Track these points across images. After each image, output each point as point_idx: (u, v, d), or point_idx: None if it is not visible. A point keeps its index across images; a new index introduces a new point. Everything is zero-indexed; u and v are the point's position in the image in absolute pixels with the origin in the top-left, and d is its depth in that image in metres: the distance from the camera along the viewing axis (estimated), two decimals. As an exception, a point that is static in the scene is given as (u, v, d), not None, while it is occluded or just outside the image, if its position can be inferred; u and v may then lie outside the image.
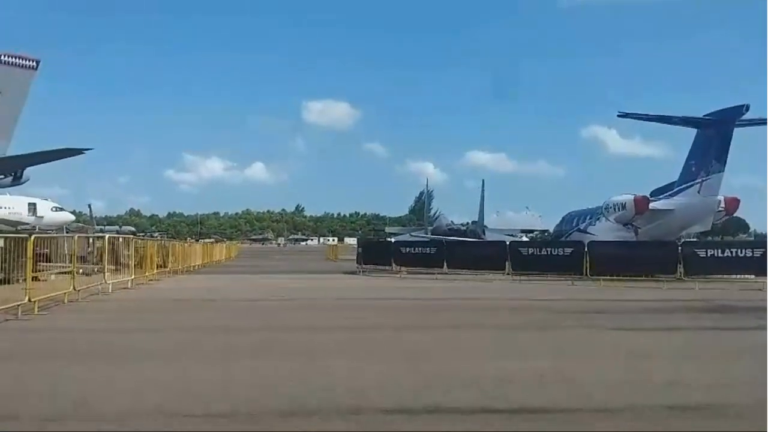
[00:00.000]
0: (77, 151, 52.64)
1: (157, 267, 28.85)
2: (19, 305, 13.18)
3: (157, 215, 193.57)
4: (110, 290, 19.19)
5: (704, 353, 10.20)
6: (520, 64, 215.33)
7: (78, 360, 9.19)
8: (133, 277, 21.83)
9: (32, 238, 14.07)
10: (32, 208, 71.88)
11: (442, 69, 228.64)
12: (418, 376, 8.08)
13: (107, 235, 23.03)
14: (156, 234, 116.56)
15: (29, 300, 13.61)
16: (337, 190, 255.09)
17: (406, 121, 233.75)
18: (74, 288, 16.47)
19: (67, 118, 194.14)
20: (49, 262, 24.04)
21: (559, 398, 7.10)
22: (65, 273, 19.35)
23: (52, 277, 17.80)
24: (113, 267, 22.41)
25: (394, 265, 30.68)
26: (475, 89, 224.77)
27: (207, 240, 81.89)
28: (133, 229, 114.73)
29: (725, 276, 25.49)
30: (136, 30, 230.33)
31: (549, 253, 28.24)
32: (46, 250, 25.28)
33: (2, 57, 52.96)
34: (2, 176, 52.92)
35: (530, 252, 28.85)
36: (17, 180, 54.44)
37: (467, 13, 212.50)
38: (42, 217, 70.12)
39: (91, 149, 56.53)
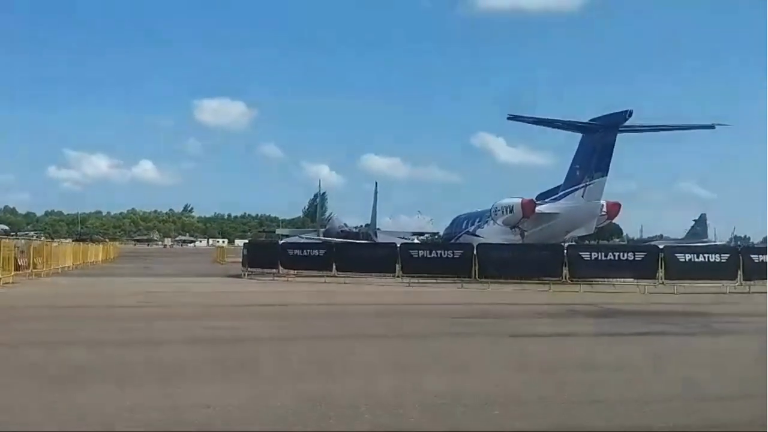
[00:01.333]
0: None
1: (20, 268, 26.35)
2: None
3: (33, 213, 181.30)
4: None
5: (607, 360, 9.82)
6: (416, 69, 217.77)
7: None
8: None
9: None
10: None
11: (341, 71, 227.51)
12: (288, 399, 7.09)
13: None
14: (32, 233, 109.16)
15: None
16: (229, 192, 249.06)
17: (303, 123, 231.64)
18: None
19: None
20: None
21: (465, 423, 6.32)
22: None
23: None
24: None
25: (281, 267, 29.41)
26: (374, 92, 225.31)
27: (90, 240, 77.17)
28: (6, 227, 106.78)
29: (607, 279, 26.07)
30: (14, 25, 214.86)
31: (439, 255, 27.90)
32: None
33: None
34: None
35: (420, 254, 28.37)
36: None
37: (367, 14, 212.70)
38: None
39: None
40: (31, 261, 28.00)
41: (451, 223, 42.24)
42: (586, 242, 35.85)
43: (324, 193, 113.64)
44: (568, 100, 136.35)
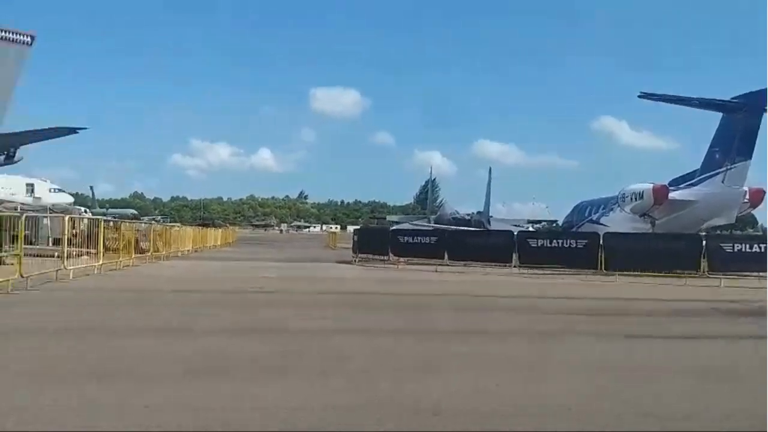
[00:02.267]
0: (71, 130, 50.80)
1: (142, 251, 27.04)
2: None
3: (160, 199, 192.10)
4: (70, 276, 17.18)
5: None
6: (530, 57, 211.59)
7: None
8: (101, 262, 19.77)
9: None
10: (30, 188, 70.35)
11: (455, 58, 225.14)
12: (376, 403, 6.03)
13: (67, 216, 20.92)
14: (158, 218, 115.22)
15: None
16: (342, 179, 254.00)
17: (415, 110, 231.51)
18: (21, 275, 14.41)
19: (76, 100, 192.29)
20: (30, 244, 22.16)
21: None
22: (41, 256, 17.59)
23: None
24: (93, 251, 20.48)
25: (391, 254, 28.61)
26: (486, 80, 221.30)
27: (212, 225, 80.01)
28: (134, 212, 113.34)
29: (751, 274, 23.29)
30: (146, 14, 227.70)
31: (560, 245, 26.04)
32: (27, 232, 23.37)
33: (-8, 30, 51.18)
34: (-4, 155, 51.23)
35: (540, 243, 26.61)
36: (10, 159, 52.68)
37: (479, 6, 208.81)
38: (40, 197, 68.56)
39: (85, 128, 54.69)
40: (152, 244, 28.72)
41: (572, 211, 39.99)
42: (726, 232, 32.80)
43: (435, 179, 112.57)
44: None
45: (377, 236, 33.30)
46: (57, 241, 22.52)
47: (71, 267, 17.60)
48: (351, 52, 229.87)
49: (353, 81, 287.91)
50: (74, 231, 25.69)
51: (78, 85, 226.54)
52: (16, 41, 52.53)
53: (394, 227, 45.12)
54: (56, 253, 18.61)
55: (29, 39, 53.99)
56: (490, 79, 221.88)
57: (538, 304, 15.28)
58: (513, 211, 70.85)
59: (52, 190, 73.51)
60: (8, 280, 13.91)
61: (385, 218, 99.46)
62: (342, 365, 7.93)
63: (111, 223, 28.44)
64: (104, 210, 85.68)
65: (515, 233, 29.03)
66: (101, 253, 20.11)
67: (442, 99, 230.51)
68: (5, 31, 52.22)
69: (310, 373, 7.44)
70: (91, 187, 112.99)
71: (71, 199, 76.84)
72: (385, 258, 28.58)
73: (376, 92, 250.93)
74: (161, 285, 17.74)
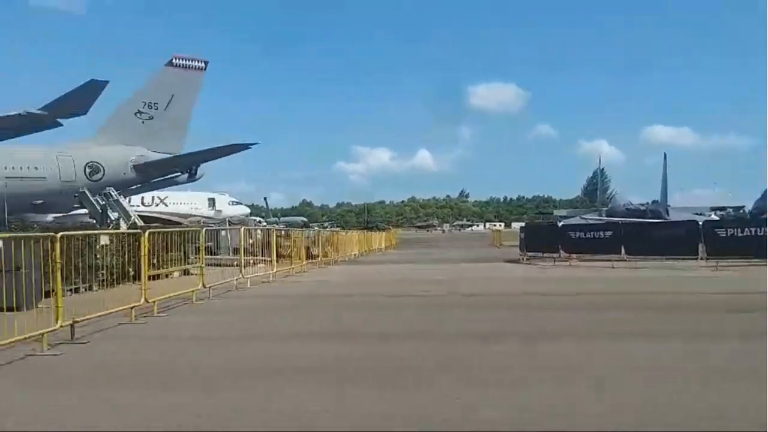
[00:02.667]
0: (245, 146, 54.17)
1: (312, 257, 27.91)
2: (132, 307, 11.94)
3: (327, 205, 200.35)
4: (248, 285, 17.91)
5: None
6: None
7: (161, 383, 7.43)
8: (275, 270, 20.49)
9: (146, 233, 12.74)
10: (212, 202, 76.10)
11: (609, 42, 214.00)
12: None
13: (242, 228, 21.92)
14: (326, 224, 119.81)
15: (146, 300, 12.36)
16: (504, 175, 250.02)
17: (577, 100, 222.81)
18: (203, 285, 15.17)
19: (242, 118, 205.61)
20: (213, 254, 23.62)
21: None
22: (222, 266, 18.58)
23: (175, 274, 16.60)
24: (268, 259, 21.37)
25: (562, 251, 27.24)
26: (651, 59, 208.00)
27: (376, 229, 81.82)
28: (304, 219, 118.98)
29: None
30: (305, 27, 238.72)
31: (754, 233, 23.37)
32: (210, 243, 24.92)
33: (174, 60, 55.73)
34: (179, 173, 55.81)
35: (730, 233, 24.08)
36: (192, 177, 57.07)
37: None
38: (220, 210, 73.96)
39: (257, 144, 58.10)
40: (321, 250, 29.57)
41: (763, 196, 36.05)
42: None
43: (603, 169, 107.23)
44: None
45: (546, 233, 31.94)
46: (237, 251, 23.86)
47: (249, 276, 18.35)
48: (506, 48, 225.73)
49: (510, 75, 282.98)
50: (251, 241, 27.13)
51: (246, 103, 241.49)
52: (193, 68, 56.94)
53: (563, 222, 43.23)
54: (236, 263, 19.52)
55: (203, 65, 58.27)
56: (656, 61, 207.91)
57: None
58: (692, 198, 65.50)
59: (231, 203, 78.95)
60: (193, 291, 14.67)
61: (551, 213, 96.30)
62: (568, 374, 7.31)
63: (282, 232, 29.77)
64: (276, 219, 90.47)
65: (700, 223, 26.54)
66: (275, 261, 20.83)
67: (608, 86, 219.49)
68: (183, 59, 56.72)
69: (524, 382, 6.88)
70: (265, 198, 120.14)
71: (248, 211, 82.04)
72: (555, 255, 27.27)
73: (534, 85, 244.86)
74: (331, 289, 18.02)
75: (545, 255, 28.05)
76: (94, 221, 41.85)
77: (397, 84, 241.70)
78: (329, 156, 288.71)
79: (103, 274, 16.33)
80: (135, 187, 53.75)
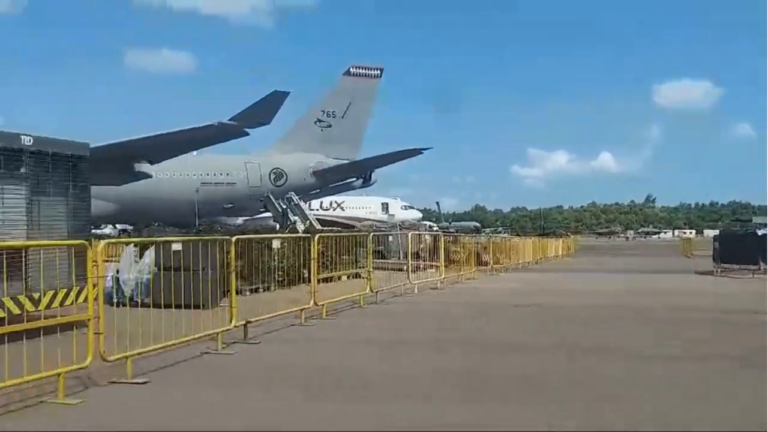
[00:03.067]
0: (417, 151, 54.90)
1: (482, 263, 27.35)
2: (302, 309, 12.19)
3: (501, 210, 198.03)
4: (415, 290, 17.76)
5: None
6: None
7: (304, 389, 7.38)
8: (442, 276, 20.20)
9: (316, 237, 12.98)
10: (385, 207, 78.11)
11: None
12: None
13: (410, 232, 21.81)
14: (500, 229, 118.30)
15: (315, 303, 12.56)
16: (695, 179, 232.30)
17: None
18: (371, 289, 15.21)
19: (411, 122, 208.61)
20: (384, 258, 23.99)
21: None
22: (394, 270, 18.75)
23: (344, 278, 16.78)
24: (438, 264, 21.20)
25: (761, 263, 24.36)
26: None
27: (553, 235, 79.19)
28: (477, 224, 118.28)
29: None
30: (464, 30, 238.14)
31: None
32: (380, 247, 25.32)
33: (351, 69, 57.80)
34: (354, 178, 57.76)
35: None
36: (367, 182, 58.88)
37: None
38: (393, 214, 75.65)
39: (430, 148, 58.64)
40: (492, 256, 28.89)
41: None
42: None
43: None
44: None
45: (743, 242, 28.80)
46: (406, 255, 23.94)
47: (416, 281, 18.21)
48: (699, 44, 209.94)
49: (702, 72, 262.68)
50: (421, 245, 27.16)
51: (419, 108, 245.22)
52: (368, 75, 58.69)
53: (764, 231, 38.88)
54: (404, 267, 19.52)
55: (379, 72, 59.83)
56: None
57: None
58: None
59: (404, 207, 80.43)
60: (361, 295, 14.75)
61: (750, 221, 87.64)
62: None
63: (452, 237, 29.47)
64: (447, 223, 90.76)
65: None
66: (443, 267, 20.55)
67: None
68: (359, 68, 58.63)
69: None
70: (437, 203, 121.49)
71: (420, 215, 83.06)
72: (755, 267, 24.45)
73: (729, 82, 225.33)
74: (500, 297, 17.40)
75: (742, 267, 25.26)
76: (277, 224, 44.43)
77: (576, 84, 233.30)
78: (504, 159, 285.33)
79: (280, 275, 17.08)
80: (314, 192, 56.41)
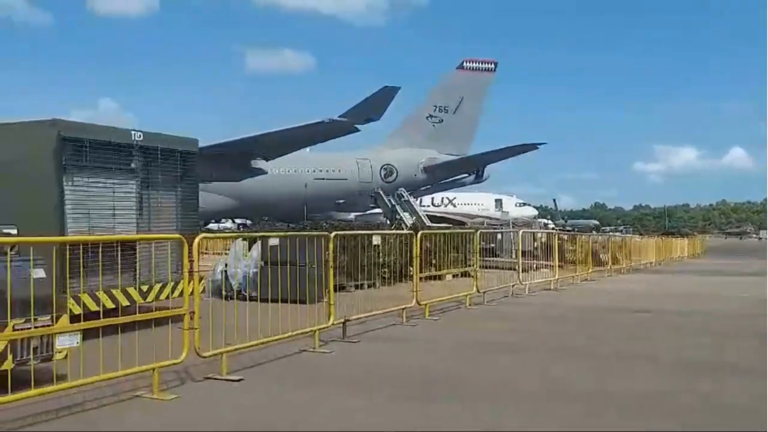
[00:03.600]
0: (532, 146, 53.40)
1: (600, 264, 25.96)
2: (403, 309, 11.80)
3: (621, 208, 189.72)
4: (526, 291, 16.94)
5: None
6: None
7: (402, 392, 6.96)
8: (556, 276, 19.19)
9: (419, 234, 12.55)
10: (498, 203, 76.61)
11: None
12: None
13: (522, 230, 20.86)
14: (621, 228, 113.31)
15: (417, 303, 12.14)
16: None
17: None
18: (477, 289, 14.59)
19: (529, 117, 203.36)
20: (495, 256, 23.30)
21: None
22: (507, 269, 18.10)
23: (449, 277, 16.17)
24: (552, 264, 20.26)
25: None
26: None
27: (678, 234, 74.72)
28: (596, 222, 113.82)
29: None
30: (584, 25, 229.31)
31: None
32: (491, 245, 24.62)
33: (464, 63, 56.97)
34: (466, 174, 56.93)
35: None
36: (479, 178, 57.95)
37: None
38: (507, 211, 73.99)
39: (545, 143, 56.90)
40: (610, 256, 27.38)
41: None
42: None
43: None
44: None
45: None
46: (523, 254, 23.00)
47: (527, 282, 17.40)
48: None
49: None
50: (535, 244, 26.14)
51: (535, 101, 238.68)
52: (481, 70, 57.57)
53: None
54: (515, 267, 18.73)
55: (493, 66, 58.59)
56: None
57: None
58: None
59: (518, 204, 78.51)
60: (467, 295, 14.19)
61: None
62: None
63: (567, 235, 28.17)
64: (563, 221, 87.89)
65: None
66: (557, 267, 19.56)
67: None
68: (472, 62, 57.66)
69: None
70: (554, 200, 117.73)
71: (535, 212, 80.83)
72: None
73: None
74: (617, 301, 16.30)
75: None
76: (387, 220, 44.46)
77: (707, 77, 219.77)
78: (626, 156, 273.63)
79: (385, 272, 16.83)
80: (424, 188, 56.10)
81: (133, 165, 10.36)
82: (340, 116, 35.14)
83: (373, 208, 50.82)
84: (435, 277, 15.18)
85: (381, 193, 46.43)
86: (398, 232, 14.12)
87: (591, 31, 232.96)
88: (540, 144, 53.63)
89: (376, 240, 12.20)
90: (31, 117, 9.89)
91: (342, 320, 9.88)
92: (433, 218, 59.38)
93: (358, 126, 36.64)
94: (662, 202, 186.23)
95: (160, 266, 10.28)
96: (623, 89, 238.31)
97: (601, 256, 27.21)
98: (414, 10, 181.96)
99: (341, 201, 51.23)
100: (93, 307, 8.62)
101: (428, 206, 71.27)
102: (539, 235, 25.17)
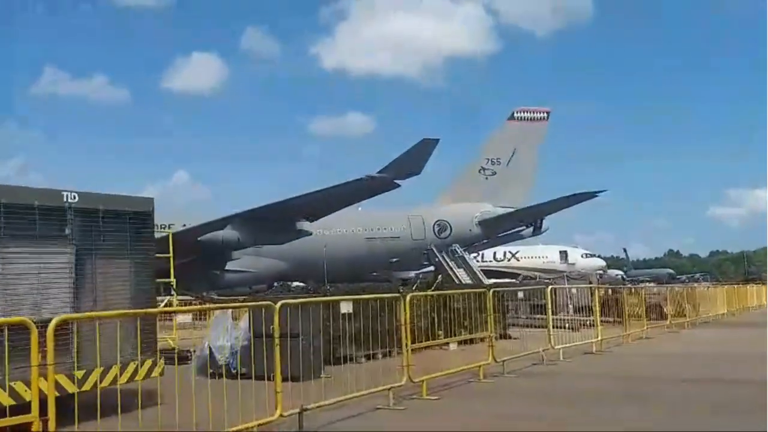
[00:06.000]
0: (591, 195, 50.75)
1: (664, 317, 23.38)
2: (394, 386, 9.98)
3: (697, 255, 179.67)
4: (561, 357, 14.74)
5: None
6: None
7: None
8: (599, 338, 16.83)
9: (408, 298, 10.73)
10: (563, 255, 73.44)
11: None
12: None
13: (551, 286, 18.56)
14: (698, 275, 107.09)
15: (409, 379, 10.30)
16: None
17: None
18: (493, 358, 12.57)
19: (593, 165, 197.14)
20: (553, 313, 21.19)
21: None
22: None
23: (453, 346, 14.17)
24: (597, 321, 18.03)
25: None
26: None
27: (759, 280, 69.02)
28: (671, 271, 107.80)
29: None
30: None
31: None
32: (543, 301, 22.52)
33: (515, 113, 55.36)
34: (523, 227, 54.55)
35: None
36: (537, 230, 55.43)
37: None
38: (573, 263, 70.76)
39: (604, 191, 54.12)
40: (673, 308, 24.69)
41: None
42: None
43: None
44: None
45: None
46: (578, 310, 20.87)
47: (559, 345, 15.14)
48: None
49: None
50: (601, 298, 23.91)
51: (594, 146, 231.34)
52: (536, 119, 55.84)
53: None
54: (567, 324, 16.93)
55: (545, 115, 56.78)
56: None
57: None
58: None
59: (584, 255, 75.01)
60: (480, 366, 12.19)
61: None
62: None
63: (633, 288, 25.78)
64: (635, 271, 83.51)
65: None
66: (599, 326, 17.22)
67: None
68: (525, 111, 56.04)
69: None
70: (624, 249, 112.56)
71: (603, 263, 77.05)
72: None
73: None
74: (671, 367, 13.94)
75: None
76: (440, 277, 42.50)
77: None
78: (699, 201, 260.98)
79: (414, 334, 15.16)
80: (480, 243, 54.01)
81: (67, 231, 9.13)
82: (378, 172, 33.96)
83: (426, 265, 49.16)
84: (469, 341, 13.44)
85: (434, 250, 44.83)
86: (380, 295, 12.27)
87: (662, 76, 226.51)
88: (599, 192, 51.03)
89: (346, 308, 10.28)
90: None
91: (298, 411, 8.17)
92: (490, 273, 56.92)
93: (398, 182, 35.34)
94: (740, 246, 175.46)
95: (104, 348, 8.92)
96: (695, 135, 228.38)
97: (664, 308, 24.65)
98: (469, 65, 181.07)
99: (395, 260, 49.67)
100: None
101: (490, 261, 69.01)
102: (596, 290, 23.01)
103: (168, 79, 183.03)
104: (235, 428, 7.37)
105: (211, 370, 12.82)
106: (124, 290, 9.93)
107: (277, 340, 8.24)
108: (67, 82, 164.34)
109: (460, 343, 14.63)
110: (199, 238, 35.82)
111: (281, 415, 7.88)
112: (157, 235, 11.78)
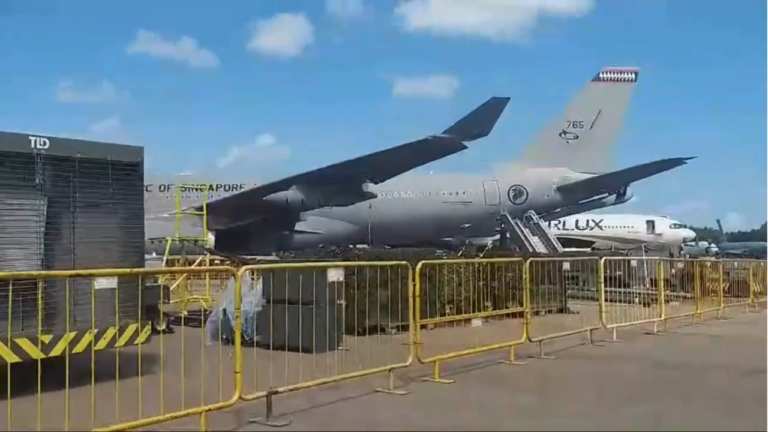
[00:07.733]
0: (678, 161, 47.17)
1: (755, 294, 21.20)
2: (395, 367, 8.76)
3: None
4: (613, 338, 13.06)
5: None
6: None
7: None
8: (662, 317, 14.91)
9: (418, 266, 9.38)
10: (650, 225, 69.39)
11: None
12: None
13: (603, 258, 16.47)
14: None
15: (418, 360, 9.05)
16: None
17: None
18: (528, 338, 11.08)
19: (682, 130, 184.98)
20: (625, 287, 19.58)
21: None
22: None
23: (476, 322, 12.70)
24: (661, 300, 16.16)
25: None
26: None
27: None
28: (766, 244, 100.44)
29: None
30: None
31: None
32: (618, 273, 20.75)
33: (601, 74, 51.95)
34: (605, 194, 51.56)
35: None
36: (620, 197, 52.22)
37: None
38: (660, 234, 66.86)
39: (694, 157, 50.32)
40: (761, 285, 22.23)
41: None
42: None
43: None
44: None
45: None
46: (654, 282, 19.33)
47: (612, 325, 13.43)
48: None
49: None
50: (673, 271, 22.08)
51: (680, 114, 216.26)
52: (621, 80, 52.25)
53: None
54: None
55: (633, 76, 53.01)
56: None
57: None
58: None
59: (672, 226, 70.67)
60: (512, 344, 10.77)
61: None
62: None
63: (708, 262, 23.62)
64: (711, 244, 78.12)
65: None
66: (662, 304, 15.29)
67: None
68: (611, 71, 52.49)
69: None
70: (718, 221, 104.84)
71: (692, 234, 72.53)
72: None
73: None
74: (735, 352, 12.10)
75: None
76: (516, 246, 40.73)
77: None
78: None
79: (450, 307, 14.16)
80: (558, 210, 51.50)
81: (37, 180, 8.32)
82: (443, 132, 32.35)
83: (498, 232, 47.33)
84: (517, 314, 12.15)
85: (508, 216, 42.94)
86: (384, 263, 10.86)
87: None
88: (688, 158, 47.32)
89: (334, 276, 8.86)
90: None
91: (265, 393, 7.04)
92: (568, 241, 54.25)
93: (465, 143, 33.62)
94: None
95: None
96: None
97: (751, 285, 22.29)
98: (557, 23, 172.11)
99: (467, 225, 48.00)
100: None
101: (572, 229, 65.97)
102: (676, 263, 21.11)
103: (254, 41, 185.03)
104: (181, 412, 6.35)
105: (224, 336, 12.09)
106: (108, 247, 9.10)
107: (238, 308, 7.14)
108: (158, 44, 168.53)
109: (506, 316, 13.26)
110: (264, 198, 35.55)
111: (241, 398, 6.78)
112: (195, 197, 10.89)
